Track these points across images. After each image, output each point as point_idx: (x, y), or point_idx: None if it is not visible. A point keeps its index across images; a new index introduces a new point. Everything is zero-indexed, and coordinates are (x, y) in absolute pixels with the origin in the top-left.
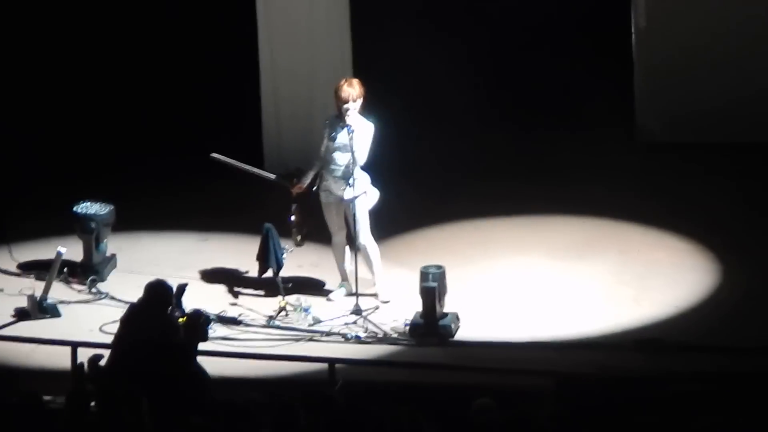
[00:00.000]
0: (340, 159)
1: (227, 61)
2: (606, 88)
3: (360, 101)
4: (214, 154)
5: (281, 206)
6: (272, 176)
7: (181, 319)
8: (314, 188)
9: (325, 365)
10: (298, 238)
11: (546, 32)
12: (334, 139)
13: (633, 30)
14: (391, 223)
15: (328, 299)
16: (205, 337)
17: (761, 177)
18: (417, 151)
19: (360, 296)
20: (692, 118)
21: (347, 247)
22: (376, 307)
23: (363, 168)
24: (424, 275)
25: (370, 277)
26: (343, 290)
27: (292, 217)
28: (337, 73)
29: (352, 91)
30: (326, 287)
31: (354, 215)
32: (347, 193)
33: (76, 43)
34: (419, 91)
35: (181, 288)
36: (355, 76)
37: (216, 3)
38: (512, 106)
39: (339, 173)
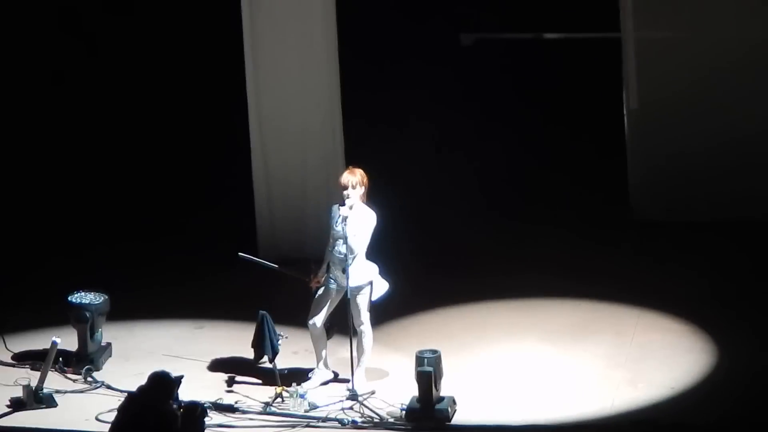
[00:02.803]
0: (342, 248)
1: (218, 146)
2: (600, 169)
3: (360, 189)
4: (242, 254)
5: (276, 293)
6: (292, 272)
7: (178, 411)
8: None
9: None
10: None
11: (539, 114)
12: (334, 228)
13: (625, 111)
14: (385, 307)
15: (311, 385)
16: (201, 429)
17: (755, 255)
18: (408, 235)
19: (345, 381)
20: (686, 198)
21: (322, 334)
22: (372, 392)
23: (370, 258)
24: (420, 360)
25: (355, 364)
26: (322, 373)
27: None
28: (328, 158)
29: (352, 178)
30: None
31: (356, 303)
32: (351, 281)
33: (62, 127)
34: (410, 177)
35: (177, 380)
36: (347, 157)
37: (207, 87)
38: (506, 188)
39: (338, 260)
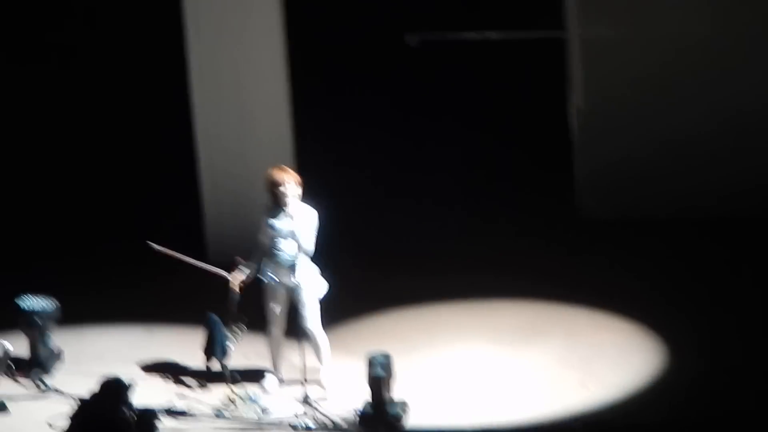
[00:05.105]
0: (285, 246)
1: (165, 150)
2: (546, 168)
3: (297, 187)
4: (152, 243)
5: (225, 296)
6: (211, 268)
7: (131, 417)
8: (261, 278)
9: None
10: (239, 331)
11: (485, 113)
12: (274, 227)
13: (571, 110)
14: (335, 310)
15: (264, 390)
16: None
17: (702, 253)
18: (359, 236)
19: (307, 384)
20: (632, 196)
21: (282, 339)
22: (325, 397)
23: (311, 259)
24: (371, 362)
25: (318, 366)
26: (275, 378)
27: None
28: (276, 157)
29: (286, 175)
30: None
31: (302, 302)
32: (295, 280)
33: (11, 130)
34: (357, 181)
35: (129, 386)
36: (297, 157)
37: (152, 89)
38: (451, 188)
39: (285, 261)
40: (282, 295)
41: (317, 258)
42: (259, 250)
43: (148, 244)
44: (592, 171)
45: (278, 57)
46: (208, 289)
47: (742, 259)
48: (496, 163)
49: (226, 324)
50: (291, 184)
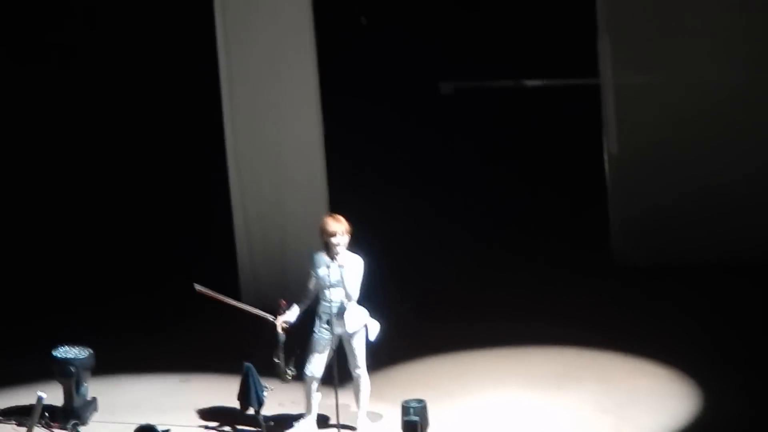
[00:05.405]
0: (332, 295)
1: (197, 196)
2: (580, 214)
3: (347, 236)
4: (198, 286)
5: (260, 344)
6: (256, 311)
7: None
8: (314, 331)
9: None
10: (288, 374)
11: (520, 160)
12: (323, 276)
13: (606, 157)
14: (369, 357)
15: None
16: None
17: (738, 299)
18: (390, 283)
19: (341, 431)
20: (667, 243)
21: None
22: None
23: (358, 302)
24: (406, 409)
25: (354, 409)
26: (310, 425)
27: (280, 354)
28: (309, 202)
29: (339, 225)
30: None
31: (351, 347)
32: (347, 327)
33: (42, 176)
34: (389, 228)
35: None
36: (331, 203)
37: (184, 138)
38: (486, 236)
39: (333, 310)
40: (327, 343)
41: (361, 303)
42: (306, 297)
43: (195, 286)
44: (627, 217)
45: (313, 101)
46: (243, 337)
47: None
48: (531, 209)
49: (275, 367)
50: (343, 235)
